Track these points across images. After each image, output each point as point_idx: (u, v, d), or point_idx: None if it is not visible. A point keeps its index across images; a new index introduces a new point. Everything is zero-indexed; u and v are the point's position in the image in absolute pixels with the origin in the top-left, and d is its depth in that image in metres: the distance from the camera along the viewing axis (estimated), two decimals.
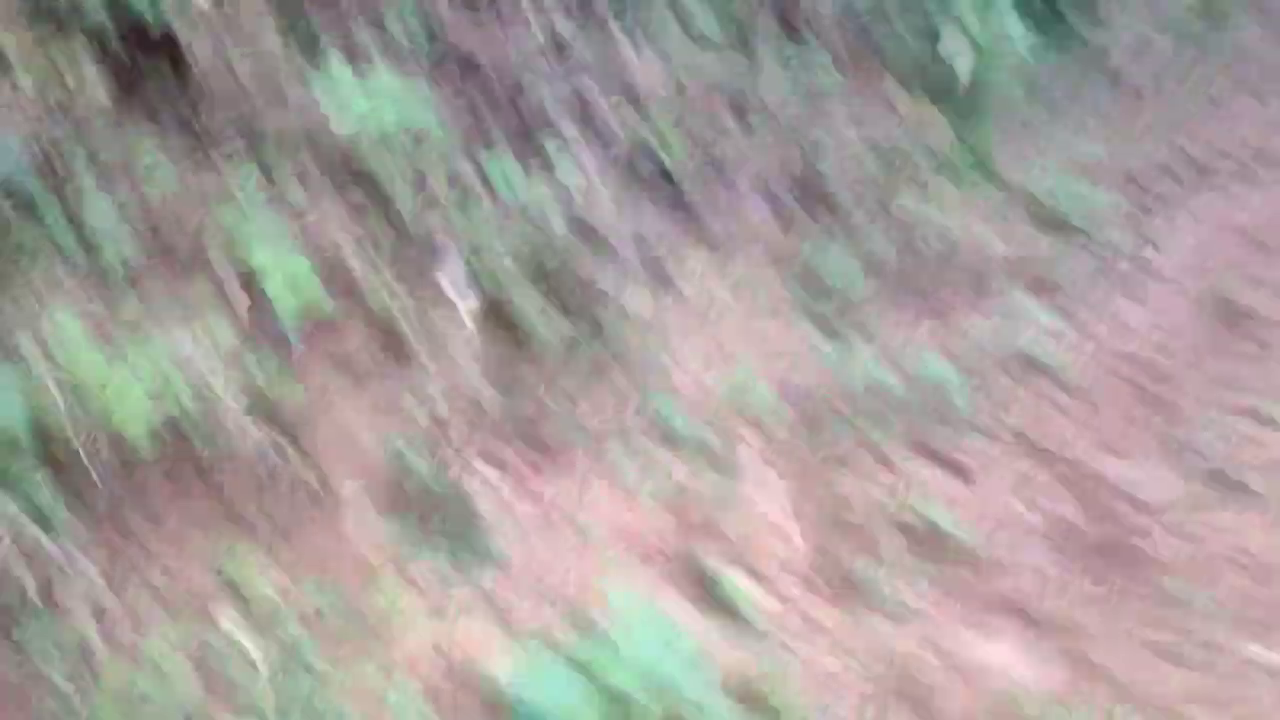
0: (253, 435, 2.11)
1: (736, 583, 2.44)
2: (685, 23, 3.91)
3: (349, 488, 2.28)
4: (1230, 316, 4.03)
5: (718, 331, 3.25)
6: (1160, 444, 3.19)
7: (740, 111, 3.97)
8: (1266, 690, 2.26)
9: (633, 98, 3.41)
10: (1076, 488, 2.99)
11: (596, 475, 2.64)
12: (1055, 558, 2.68)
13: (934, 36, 4.84)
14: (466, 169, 2.74)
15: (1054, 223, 4.53)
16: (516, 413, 2.63)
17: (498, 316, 2.69)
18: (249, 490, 2.13)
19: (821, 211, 3.91)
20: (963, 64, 4.72)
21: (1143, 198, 4.96)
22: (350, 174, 2.53)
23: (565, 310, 2.84)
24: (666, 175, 3.44)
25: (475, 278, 2.59)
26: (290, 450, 2.19)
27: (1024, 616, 2.51)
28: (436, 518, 2.33)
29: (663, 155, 3.35)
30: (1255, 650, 2.34)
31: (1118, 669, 2.33)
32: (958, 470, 2.94)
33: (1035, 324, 3.71)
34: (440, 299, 2.54)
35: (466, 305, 2.57)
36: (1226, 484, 2.97)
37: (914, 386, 3.20)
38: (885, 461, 2.89)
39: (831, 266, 3.68)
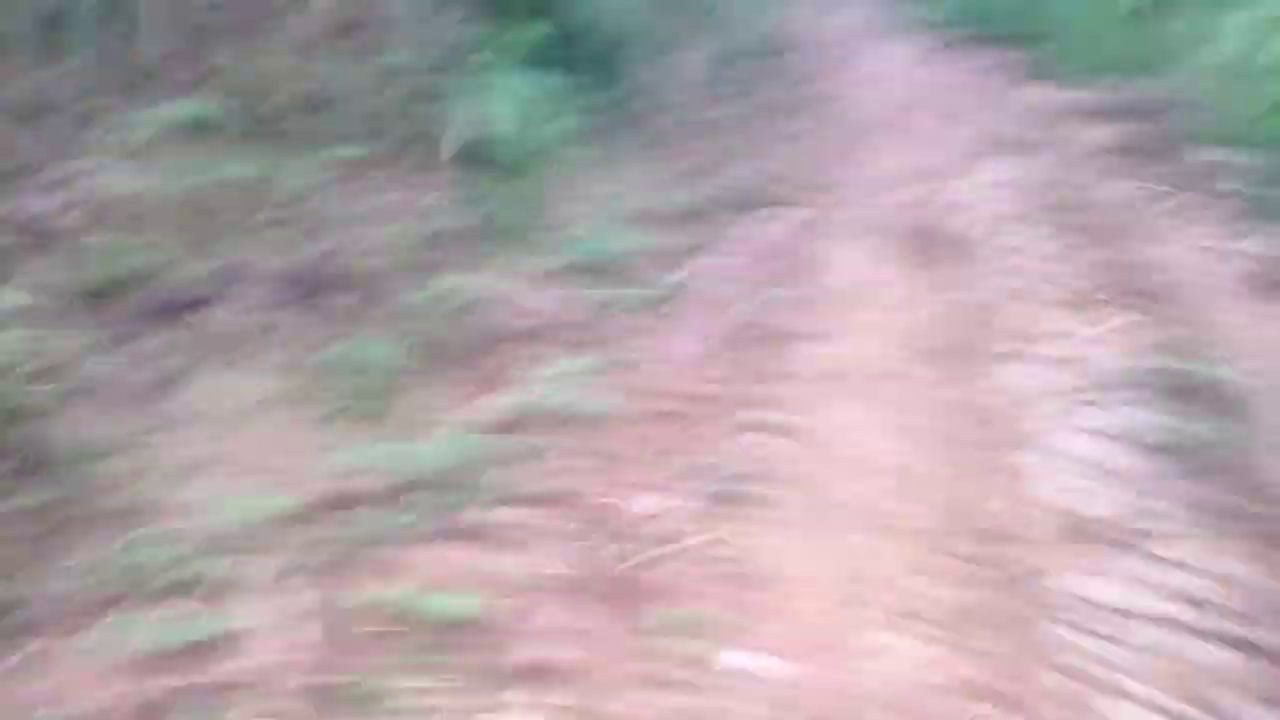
0: None
1: None
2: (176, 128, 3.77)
3: None
4: (758, 336, 4.40)
5: (226, 454, 3.11)
6: (682, 472, 3.40)
7: (250, 210, 3.86)
8: (747, 697, 2.43)
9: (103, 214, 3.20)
10: (605, 531, 3.12)
11: (58, 655, 2.42)
12: (572, 609, 2.76)
13: (467, 110, 5.01)
14: None
15: (598, 272, 4.78)
16: None
17: None
18: None
19: (352, 300, 3.88)
20: (500, 128, 4.90)
21: (680, 236, 5.36)
22: None
23: (21, 470, 2.61)
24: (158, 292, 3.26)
25: None
26: None
27: (540, 679, 2.55)
28: None
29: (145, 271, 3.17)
30: (733, 657, 2.52)
31: (618, 709, 2.42)
32: (484, 545, 2.96)
33: (576, 377, 3.84)
34: None
35: None
36: (733, 499, 3.20)
37: (442, 468, 3.21)
38: (404, 556, 2.85)
39: (363, 356, 3.66)
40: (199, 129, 3.75)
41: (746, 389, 3.94)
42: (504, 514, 3.08)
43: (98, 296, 3.02)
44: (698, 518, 3.09)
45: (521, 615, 2.72)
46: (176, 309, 3.23)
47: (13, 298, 2.57)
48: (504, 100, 4.93)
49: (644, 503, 3.21)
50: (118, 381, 2.98)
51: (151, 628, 2.55)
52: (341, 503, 3.06)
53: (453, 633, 2.64)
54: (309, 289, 3.73)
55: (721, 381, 4.04)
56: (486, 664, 2.59)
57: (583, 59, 5.99)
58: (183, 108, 3.71)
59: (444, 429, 3.46)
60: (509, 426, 3.52)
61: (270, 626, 2.60)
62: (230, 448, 3.14)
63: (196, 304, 3.29)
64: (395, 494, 3.08)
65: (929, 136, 8.19)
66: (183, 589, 2.64)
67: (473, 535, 2.99)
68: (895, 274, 5.07)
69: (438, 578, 2.79)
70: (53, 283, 2.82)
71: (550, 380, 3.84)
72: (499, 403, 3.75)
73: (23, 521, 2.56)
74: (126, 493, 2.81)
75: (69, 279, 2.88)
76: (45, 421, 2.66)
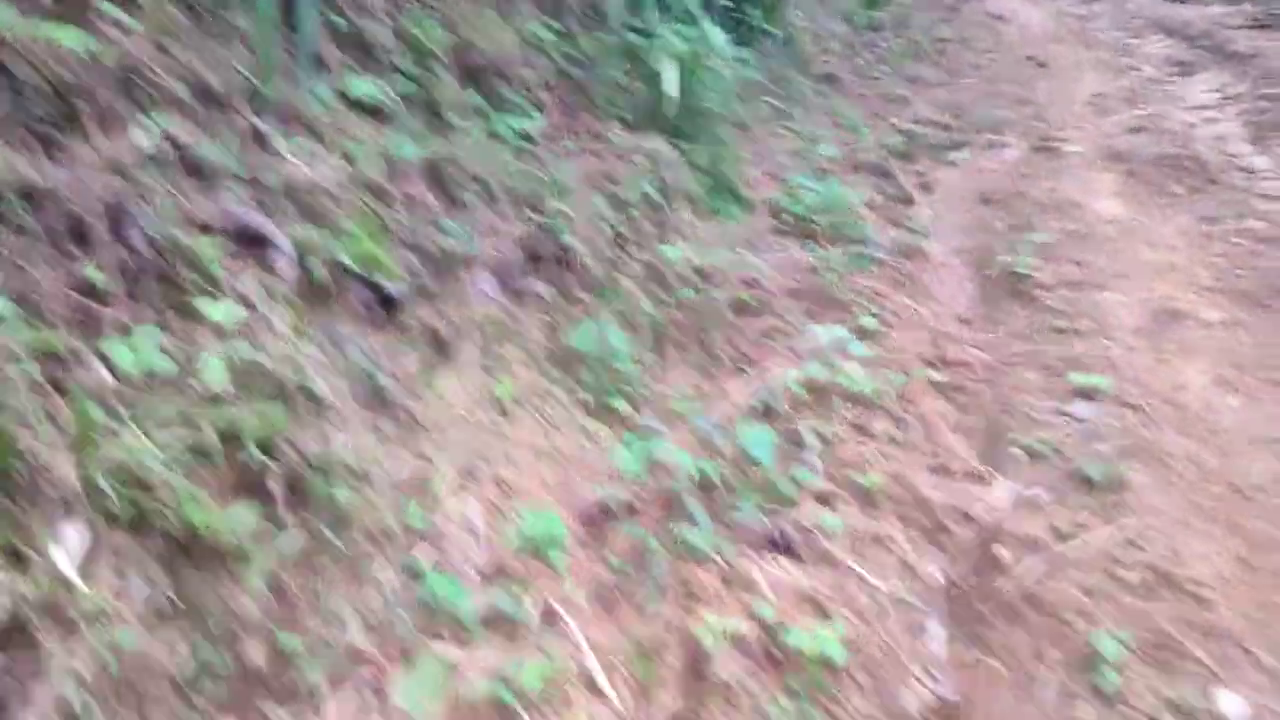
0: None
1: None
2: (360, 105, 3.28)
3: None
4: (1029, 286, 3.78)
5: (480, 466, 2.61)
6: (1004, 453, 2.81)
7: (449, 190, 3.35)
8: None
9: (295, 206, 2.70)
10: (958, 534, 2.56)
11: (357, 711, 1.95)
12: (969, 641, 2.21)
13: (647, 75, 4.47)
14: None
15: (817, 230, 4.21)
16: (222, 671, 1.90)
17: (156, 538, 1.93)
18: None
19: (572, 280, 3.36)
20: (672, 84, 4.34)
21: (891, 183, 4.76)
22: None
23: (277, 501, 2.13)
24: (370, 289, 2.76)
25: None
26: None
27: None
28: None
29: (352, 264, 2.67)
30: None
31: None
32: (817, 557, 2.42)
33: (832, 350, 3.25)
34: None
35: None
36: (1086, 484, 2.61)
37: (721, 468, 2.67)
38: (732, 573, 2.32)
39: (599, 342, 3.13)
40: (373, 108, 3.24)
41: (1036, 348, 3.32)
42: (825, 516, 2.52)
43: (308, 299, 2.54)
44: (1058, 510, 2.50)
45: (912, 654, 2.18)
46: (391, 305, 2.74)
47: (228, 311, 2.08)
48: (681, 57, 4.37)
49: (982, 495, 2.64)
50: (348, 391, 2.50)
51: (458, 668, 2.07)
52: (625, 514, 2.55)
53: (828, 673, 2.09)
54: (525, 271, 3.22)
55: (1002, 341, 3.44)
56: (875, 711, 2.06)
57: (744, 9, 5.42)
58: (357, 86, 3.20)
59: (705, 418, 2.92)
60: (775, 412, 2.97)
61: (580, 660, 2.10)
62: (486, 458, 2.64)
63: (410, 298, 2.80)
64: (686, 499, 2.54)
65: (1108, 62, 7.47)
66: (485, 625, 2.16)
67: (798, 545, 2.44)
68: (1151, 206, 4.39)
69: (784, 601, 2.24)
70: (263, 287, 2.35)
71: (806, 355, 3.27)
72: (755, 385, 3.20)
73: (292, 561, 2.08)
74: (390, 518, 2.33)
75: (275, 282, 2.40)
76: (287, 443, 2.19)
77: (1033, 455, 2.73)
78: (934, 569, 2.42)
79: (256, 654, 1.99)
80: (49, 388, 1.78)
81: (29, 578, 1.60)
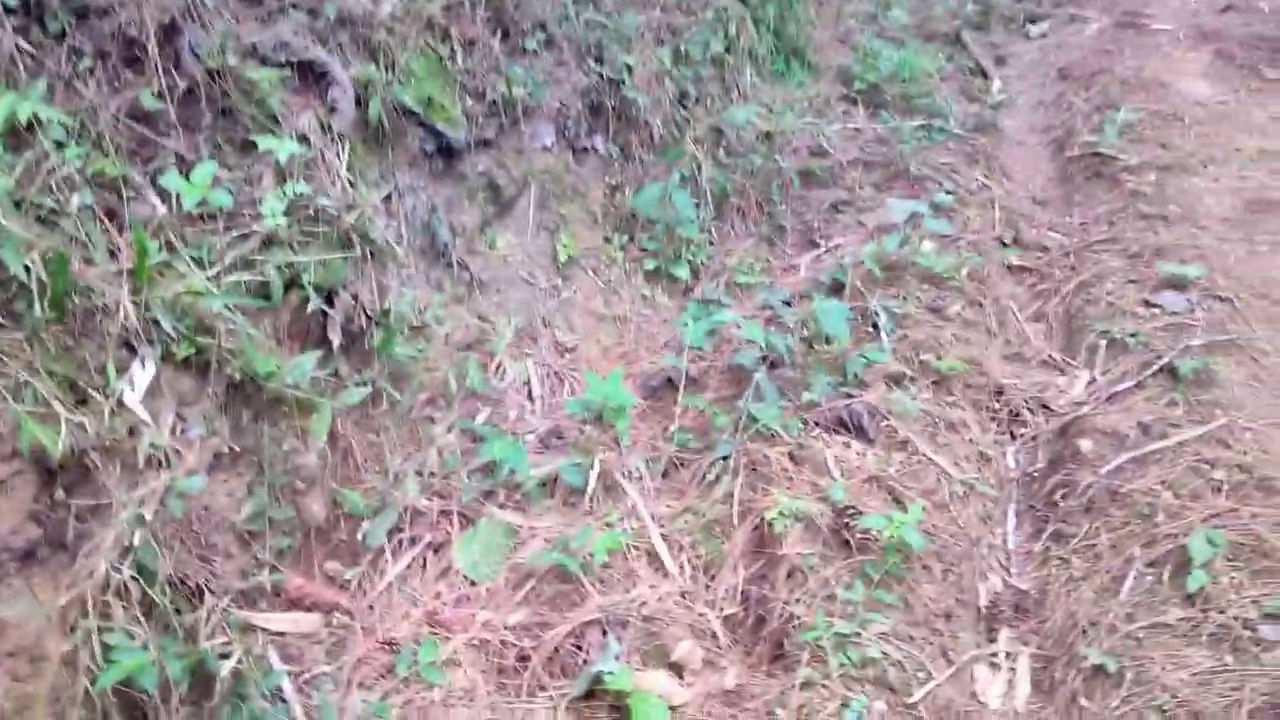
0: None
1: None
2: None
3: None
4: (1114, 169, 3.56)
5: (539, 328, 2.52)
6: (1082, 341, 2.68)
7: (510, 35, 3.13)
8: None
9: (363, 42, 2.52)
10: (1034, 421, 2.46)
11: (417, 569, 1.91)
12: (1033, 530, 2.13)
13: None
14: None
15: (890, 99, 3.97)
16: (285, 521, 1.85)
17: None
18: None
19: (635, 143, 3.18)
20: None
21: (966, 54, 4.49)
22: None
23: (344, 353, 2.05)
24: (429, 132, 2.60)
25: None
26: None
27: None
28: None
29: (413, 106, 2.50)
30: None
31: None
32: (885, 443, 2.32)
33: (905, 226, 3.08)
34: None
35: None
36: (1170, 377, 2.49)
37: (799, 336, 2.56)
38: (782, 448, 2.24)
39: (666, 203, 2.97)
40: None
41: (1119, 234, 3.15)
42: (897, 398, 2.41)
43: (368, 141, 2.40)
44: (1142, 404, 2.38)
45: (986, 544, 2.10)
46: (451, 153, 2.59)
47: (287, 148, 1.94)
48: None
49: (1061, 385, 2.53)
50: (407, 241, 2.38)
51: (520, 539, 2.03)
52: (692, 385, 2.46)
53: (901, 559, 2.01)
54: (586, 126, 3.04)
55: (1082, 226, 3.27)
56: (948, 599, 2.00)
57: None
58: None
59: (771, 290, 2.80)
60: (846, 288, 2.83)
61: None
62: (545, 320, 2.55)
63: (469, 147, 2.65)
64: (753, 374, 2.44)
65: None
66: (537, 494, 2.11)
67: (869, 427, 2.35)
68: (1242, 89, 4.12)
69: (854, 483, 2.16)
70: (322, 125, 2.20)
71: (877, 230, 3.12)
72: (825, 258, 3.07)
73: (352, 416, 2.01)
74: (450, 377, 2.25)
75: (334, 120, 2.25)
76: (346, 291, 2.09)
77: (1115, 346, 2.60)
78: (1010, 458, 2.33)
79: (317, 508, 1.94)
80: (106, 220, 1.67)
81: (94, 416, 1.53)
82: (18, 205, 1.54)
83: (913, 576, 1.96)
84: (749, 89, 3.80)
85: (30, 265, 1.48)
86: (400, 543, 2.02)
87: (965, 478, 2.22)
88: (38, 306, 1.50)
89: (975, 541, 2.09)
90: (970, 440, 2.35)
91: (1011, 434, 2.40)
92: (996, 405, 2.45)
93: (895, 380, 2.47)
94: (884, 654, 1.81)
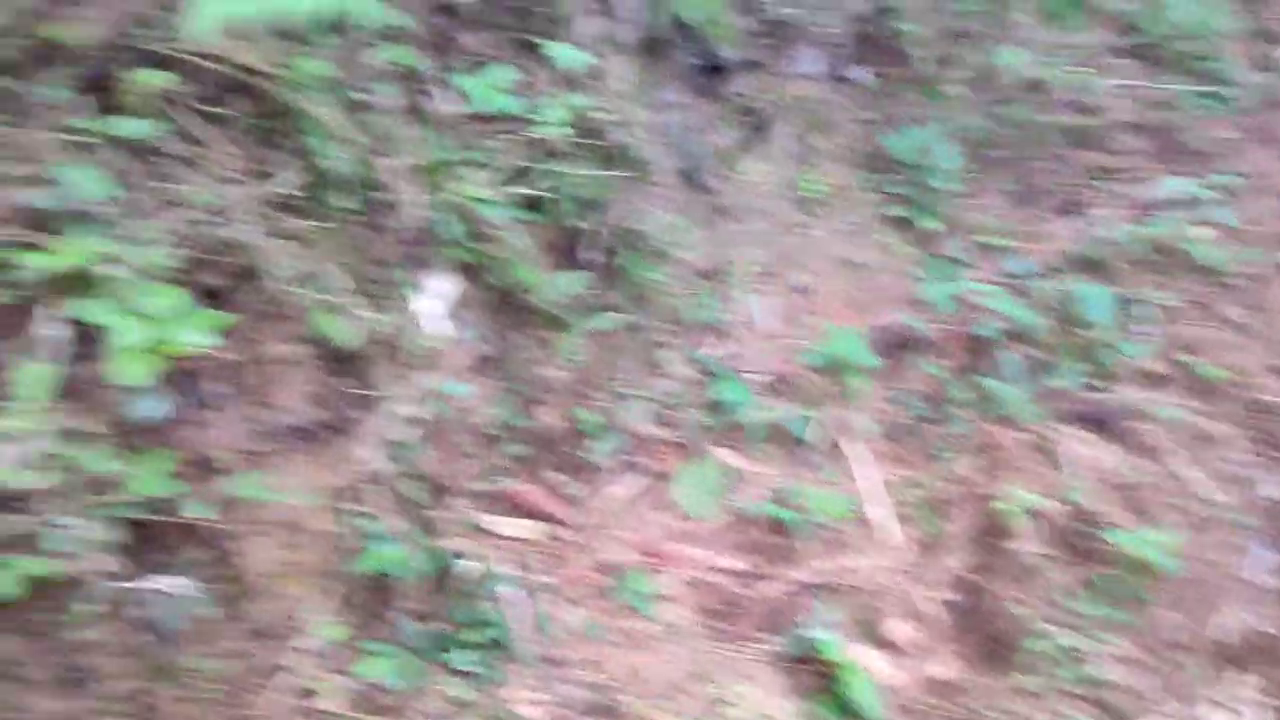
0: None
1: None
2: None
3: None
4: None
5: (779, 266, 2.45)
6: None
7: None
8: None
9: None
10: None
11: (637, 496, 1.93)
12: None
13: None
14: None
15: (1165, 57, 3.63)
16: (523, 430, 1.89)
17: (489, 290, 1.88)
18: None
19: (897, 79, 3.01)
20: None
21: (1253, 13, 4.03)
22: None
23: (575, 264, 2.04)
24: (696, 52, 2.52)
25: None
26: None
27: None
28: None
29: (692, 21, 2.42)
30: None
31: None
32: (1129, 446, 2.18)
33: (1174, 205, 2.83)
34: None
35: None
36: None
37: (1050, 314, 2.41)
38: (1020, 434, 2.13)
39: (921, 150, 2.81)
40: None
41: None
42: (1153, 401, 2.24)
43: (645, 55, 2.34)
44: None
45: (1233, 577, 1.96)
46: (719, 72, 2.51)
47: (574, 57, 1.89)
48: None
49: None
50: (665, 162, 2.34)
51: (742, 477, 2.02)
52: (931, 350, 2.36)
53: (1146, 580, 1.90)
54: (853, 56, 2.89)
55: None
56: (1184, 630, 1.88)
57: None
58: None
59: (1021, 258, 2.63)
60: (1106, 268, 2.63)
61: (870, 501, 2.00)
62: (786, 258, 2.47)
63: (738, 68, 2.57)
64: (996, 348, 2.32)
65: None
66: (768, 437, 2.08)
67: (1119, 427, 2.21)
68: None
69: (1097, 487, 2.03)
70: (608, 35, 2.15)
71: (1147, 207, 2.88)
72: (1084, 232, 2.85)
73: (597, 338, 2.02)
74: (688, 307, 2.22)
75: (619, 29, 2.19)
76: (606, 210, 2.07)
77: None
78: (1273, 486, 2.15)
79: (553, 421, 1.97)
80: (406, 115, 1.69)
81: (378, 310, 1.57)
82: (334, 94, 1.56)
83: (1153, 601, 1.85)
84: (1020, 30, 3.52)
85: (342, 156, 1.51)
86: (624, 466, 2.04)
87: (1218, 499, 2.07)
88: (340, 198, 1.53)
89: (1224, 573, 1.95)
90: (1227, 459, 2.18)
91: (1278, 460, 2.21)
92: (1266, 424, 2.25)
93: (1151, 380, 2.30)
94: (1113, 678, 1.72)
